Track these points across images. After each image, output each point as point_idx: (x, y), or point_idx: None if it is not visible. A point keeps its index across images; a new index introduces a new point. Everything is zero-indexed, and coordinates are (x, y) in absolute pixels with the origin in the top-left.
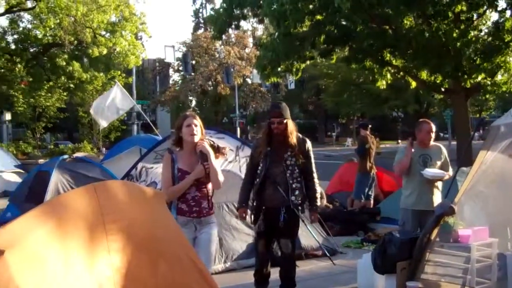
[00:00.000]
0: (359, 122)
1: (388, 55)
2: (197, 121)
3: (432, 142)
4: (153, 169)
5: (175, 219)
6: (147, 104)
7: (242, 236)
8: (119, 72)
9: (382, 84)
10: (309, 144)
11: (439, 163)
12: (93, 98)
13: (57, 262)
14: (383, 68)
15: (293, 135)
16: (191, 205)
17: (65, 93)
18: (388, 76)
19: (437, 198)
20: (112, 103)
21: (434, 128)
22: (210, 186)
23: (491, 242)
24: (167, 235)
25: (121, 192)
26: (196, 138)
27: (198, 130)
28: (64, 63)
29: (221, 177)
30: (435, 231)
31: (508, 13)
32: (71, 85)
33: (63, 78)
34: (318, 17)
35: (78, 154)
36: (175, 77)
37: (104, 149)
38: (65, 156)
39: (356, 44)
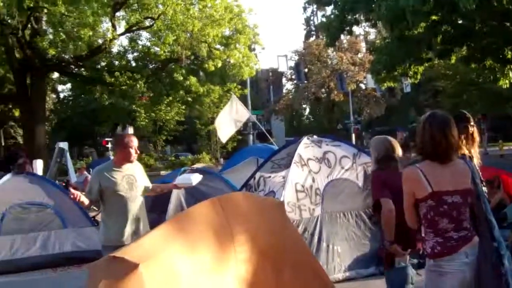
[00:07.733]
0: (479, 122)
1: (510, 52)
2: None
3: None
4: (270, 178)
5: None
6: (261, 114)
7: (359, 246)
8: (234, 84)
9: (504, 83)
10: None
11: None
12: (211, 110)
13: (189, 276)
14: (505, 67)
15: None
16: None
17: (183, 107)
18: (511, 74)
19: None
20: (230, 116)
21: None
22: None
23: None
24: (289, 243)
25: (244, 204)
26: None
27: None
28: (182, 78)
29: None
30: None
31: None
32: (189, 99)
33: (181, 92)
34: (434, 17)
35: (198, 165)
36: (288, 86)
37: (222, 159)
38: (186, 168)
39: (474, 43)
